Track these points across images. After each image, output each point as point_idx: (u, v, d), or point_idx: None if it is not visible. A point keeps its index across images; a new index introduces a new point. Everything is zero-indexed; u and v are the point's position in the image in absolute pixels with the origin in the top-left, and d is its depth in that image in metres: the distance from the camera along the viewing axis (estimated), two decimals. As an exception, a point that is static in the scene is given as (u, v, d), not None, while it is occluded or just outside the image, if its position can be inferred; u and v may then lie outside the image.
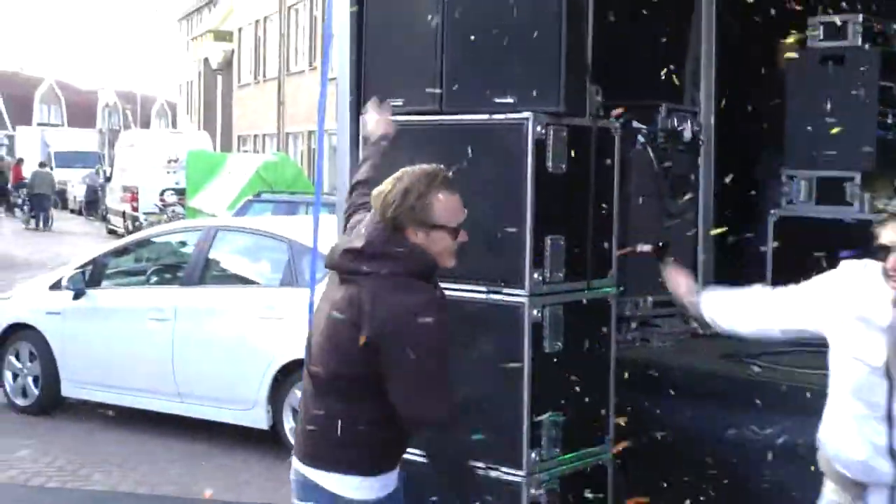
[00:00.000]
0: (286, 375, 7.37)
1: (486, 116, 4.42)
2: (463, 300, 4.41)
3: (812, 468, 3.43)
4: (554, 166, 4.36)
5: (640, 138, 5.64)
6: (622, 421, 4.68)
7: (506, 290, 4.35)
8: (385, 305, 2.94)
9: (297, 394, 6.81)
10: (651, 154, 5.67)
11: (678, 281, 3.95)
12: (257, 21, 39.54)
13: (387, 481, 3.17)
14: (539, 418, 4.30)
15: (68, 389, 8.68)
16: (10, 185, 34.44)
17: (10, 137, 47.51)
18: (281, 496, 5.93)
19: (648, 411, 4.78)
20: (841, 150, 5.58)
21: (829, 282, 3.25)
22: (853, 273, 3.18)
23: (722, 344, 5.45)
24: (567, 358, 4.42)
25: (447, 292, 4.35)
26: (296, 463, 3.19)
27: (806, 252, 4.83)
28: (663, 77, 5.63)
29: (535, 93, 4.34)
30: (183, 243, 9.05)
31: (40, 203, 29.35)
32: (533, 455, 4.30)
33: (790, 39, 6.08)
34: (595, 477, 4.65)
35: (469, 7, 4.56)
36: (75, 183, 36.82)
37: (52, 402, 8.76)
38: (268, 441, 7.59)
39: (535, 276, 4.31)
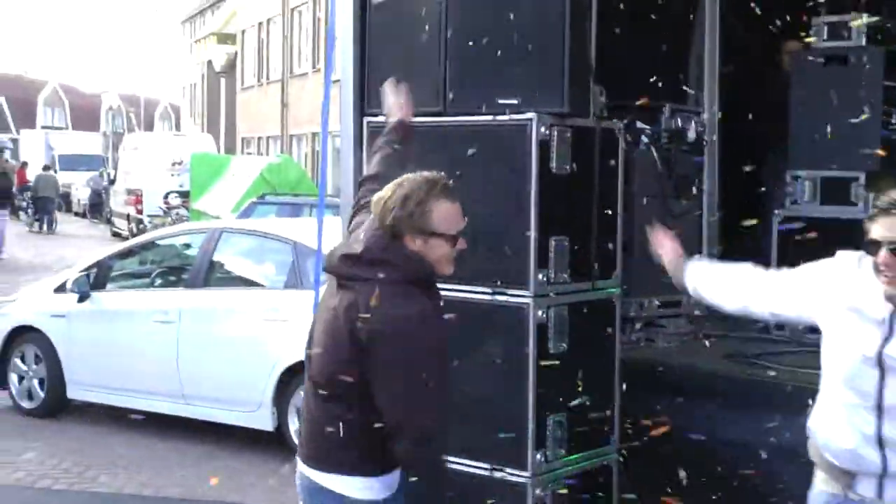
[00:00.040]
0: (291, 377, 7.37)
1: (490, 118, 4.42)
2: (468, 301, 4.42)
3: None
4: (558, 167, 4.37)
5: (644, 139, 5.64)
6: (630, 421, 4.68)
7: (510, 291, 4.35)
8: (380, 311, 2.95)
9: (301, 395, 6.80)
10: (655, 154, 5.67)
11: (663, 243, 3.85)
12: (260, 23, 39.57)
13: (390, 481, 3.17)
14: (545, 418, 4.31)
15: (73, 392, 8.70)
16: (14, 189, 34.46)
17: (15, 141, 47.53)
18: (286, 497, 5.93)
19: (653, 412, 4.77)
20: (845, 151, 5.57)
21: (825, 270, 3.26)
22: (849, 263, 3.19)
23: (726, 345, 5.47)
24: (572, 359, 4.42)
25: (452, 293, 4.39)
26: (301, 466, 3.20)
27: (810, 252, 4.83)
28: (667, 78, 5.62)
29: (538, 94, 4.35)
30: (187, 245, 9.06)
31: (44, 206, 29.40)
32: (538, 456, 4.31)
33: (794, 40, 6.08)
34: (600, 477, 4.65)
35: (472, 8, 4.57)
36: (79, 186, 36.84)
37: (57, 405, 8.78)
38: (273, 443, 7.59)
39: (540, 276, 4.31)
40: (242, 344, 7.73)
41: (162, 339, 8.07)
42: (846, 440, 3.15)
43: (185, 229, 10.83)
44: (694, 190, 5.96)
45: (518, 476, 4.32)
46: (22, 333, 9.00)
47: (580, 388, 4.46)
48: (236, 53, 42.89)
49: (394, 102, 3.97)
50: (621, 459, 4.70)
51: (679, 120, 5.83)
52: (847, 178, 5.67)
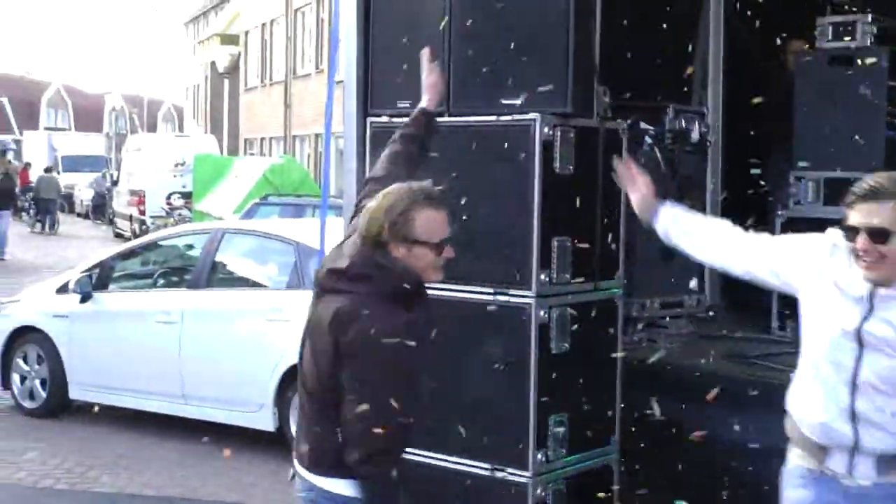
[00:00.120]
0: (293, 378, 7.35)
1: (493, 118, 4.42)
2: (470, 301, 4.42)
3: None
4: (561, 167, 4.36)
5: (648, 139, 5.65)
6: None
7: (513, 291, 4.35)
8: (356, 325, 2.99)
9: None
10: (659, 155, 5.67)
11: (634, 178, 3.74)
12: (264, 24, 39.59)
13: None
14: (546, 418, 4.30)
15: (76, 392, 8.69)
16: (17, 190, 34.49)
17: (18, 142, 47.56)
18: (287, 498, 5.93)
19: (654, 411, 4.76)
20: (849, 151, 5.56)
21: (812, 243, 3.28)
22: (835, 241, 3.21)
23: (728, 345, 5.46)
24: (574, 359, 4.41)
25: (454, 294, 4.39)
26: (300, 470, 3.21)
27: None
28: (671, 78, 5.62)
29: (542, 94, 4.34)
30: (190, 246, 9.05)
31: (46, 207, 29.44)
32: (539, 456, 4.30)
33: (798, 40, 6.07)
34: (601, 477, 4.65)
35: (476, 8, 4.56)
36: (82, 187, 36.88)
37: (59, 405, 8.78)
38: (274, 443, 7.58)
39: (542, 277, 4.31)
40: (244, 344, 7.73)
41: (164, 340, 8.07)
42: (820, 414, 3.19)
43: (188, 230, 10.83)
44: (697, 190, 5.95)
45: (519, 476, 4.32)
46: (24, 334, 9.00)
47: (581, 389, 4.45)
48: (239, 54, 42.90)
49: (425, 78, 3.94)
50: (622, 459, 4.69)
51: (683, 120, 5.83)
52: (851, 178, 5.61)
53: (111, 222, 30.05)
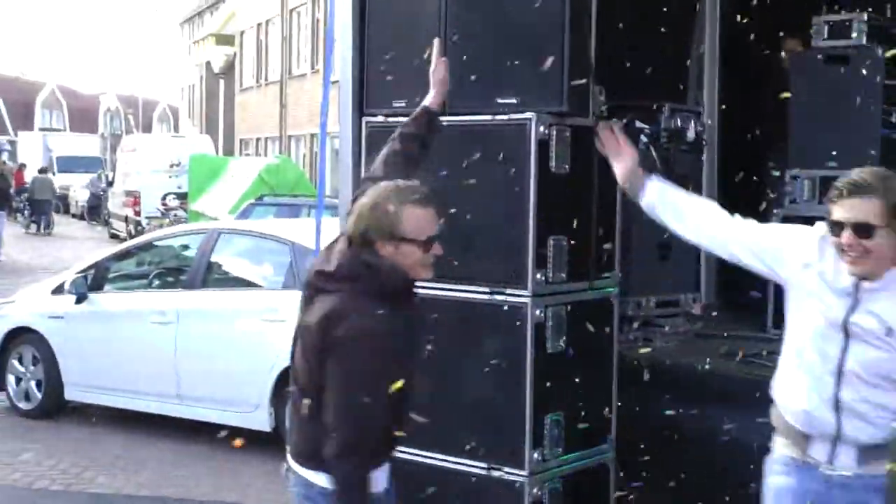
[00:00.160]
0: (289, 378, 7.34)
1: (489, 117, 4.42)
2: (466, 301, 4.42)
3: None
4: (557, 166, 4.36)
5: (644, 138, 5.64)
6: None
7: (509, 291, 4.35)
8: (345, 322, 3.02)
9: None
10: (654, 154, 5.67)
11: (621, 148, 3.64)
12: (259, 24, 39.57)
13: (375, 477, 3.17)
14: (542, 417, 4.30)
15: (71, 393, 8.68)
16: (12, 191, 34.46)
17: (13, 143, 47.51)
18: (282, 498, 5.92)
19: (650, 410, 4.77)
20: (844, 150, 5.57)
21: (800, 235, 3.30)
22: (823, 234, 3.22)
23: (723, 343, 5.46)
24: (570, 358, 4.41)
25: (450, 293, 4.39)
26: (290, 462, 3.24)
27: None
28: (666, 77, 5.62)
29: (538, 93, 4.34)
30: (185, 247, 9.04)
31: (41, 208, 29.37)
32: (535, 455, 4.30)
33: (794, 39, 6.08)
34: (597, 476, 4.65)
35: (471, 8, 4.56)
36: (77, 188, 36.83)
37: (55, 406, 8.76)
38: (270, 443, 7.57)
39: (538, 276, 4.31)
40: (240, 345, 7.72)
41: (160, 340, 8.06)
42: (804, 401, 3.21)
43: (184, 230, 10.82)
44: (693, 189, 5.95)
45: (515, 475, 4.32)
46: (19, 335, 8.98)
47: (577, 388, 4.45)
48: (235, 54, 42.88)
49: (433, 73, 3.90)
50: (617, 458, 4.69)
51: (678, 119, 5.84)
52: (846, 177, 5.66)
53: (106, 223, 30.01)
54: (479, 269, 4.39)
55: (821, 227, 3.24)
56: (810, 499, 3.24)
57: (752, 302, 5.51)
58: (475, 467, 4.42)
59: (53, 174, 34.87)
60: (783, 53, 6.30)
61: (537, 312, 4.30)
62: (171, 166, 25.55)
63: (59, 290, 8.84)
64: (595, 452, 4.63)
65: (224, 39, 43.94)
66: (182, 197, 22.99)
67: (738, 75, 6.29)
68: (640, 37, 5.57)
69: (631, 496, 4.73)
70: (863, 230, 3.05)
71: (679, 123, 5.84)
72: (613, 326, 4.72)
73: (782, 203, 5.92)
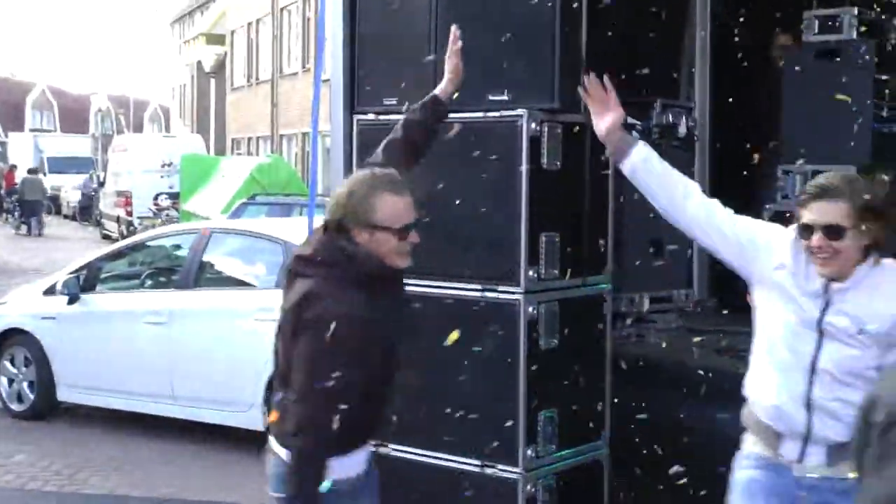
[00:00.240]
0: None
1: (480, 114, 4.41)
2: (458, 297, 4.41)
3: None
4: (549, 163, 4.36)
5: (635, 134, 5.62)
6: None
7: (501, 288, 4.34)
8: (312, 307, 3.04)
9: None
10: (646, 150, 5.65)
11: (608, 106, 3.53)
12: (250, 23, 39.52)
13: (348, 462, 3.19)
14: (536, 414, 4.30)
15: (64, 394, 8.66)
16: (2, 192, 34.43)
17: (3, 144, 47.44)
18: (278, 498, 5.91)
19: (643, 407, 4.76)
20: (836, 145, 5.57)
21: (778, 236, 3.30)
22: (795, 236, 3.24)
23: (717, 340, 5.45)
24: (562, 354, 4.41)
25: (442, 290, 4.39)
26: (272, 445, 3.25)
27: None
28: (658, 72, 5.61)
29: (529, 90, 4.33)
30: (177, 246, 9.02)
31: (31, 209, 29.29)
32: (529, 452, 4.30)
33: (785, 34, 6.07)
34: (591, 472, 4.64)
35: (462, 5, 4.55)
36: (69, 189, 36.75)
37: (47, 407, 8.74)
38: (264, 442, 7.55)
39: (531, 273, 4.30)
40: (233, 344, 7.71)
41: (152, 341, 8.05)
42: (774, 398, 3.24)
43: (176, 230, 10.80)
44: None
45: (509, 472, 4.31)
46: (11, 336, 8.96)
47: (571, 384, 4.45)
48: (225, 54, 42.83)
49: (448, 61, 3.86)
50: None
51: (670, 115, 5.82)
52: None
53: (98, 224, 29.95)
54: (471, 266, 4.39)
55: (792, 229, 3.25)
56: (778, 496, 3.26)
57: (744, 298, 5.50)
58: (469, 465, 4.41)
59: (44, 175, 34.77)
60: (774, 48, 6.30)
61: (530, 309, 4.30)
62: (163, 166, 25.52)
63: (50, 290, 8.83)
64: (589, 449, 4.63)
65: (214, 39, 43.89)
66: (174, 197, 22.97)
67: (730, 70, 6.28)
68: (631, 32, 5.56)
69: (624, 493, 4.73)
70: (833, 232, 3.10)
71: (670, 119, 5.82)
72: (606, 323, 4.72)
73: (774, 198, 5.91)
